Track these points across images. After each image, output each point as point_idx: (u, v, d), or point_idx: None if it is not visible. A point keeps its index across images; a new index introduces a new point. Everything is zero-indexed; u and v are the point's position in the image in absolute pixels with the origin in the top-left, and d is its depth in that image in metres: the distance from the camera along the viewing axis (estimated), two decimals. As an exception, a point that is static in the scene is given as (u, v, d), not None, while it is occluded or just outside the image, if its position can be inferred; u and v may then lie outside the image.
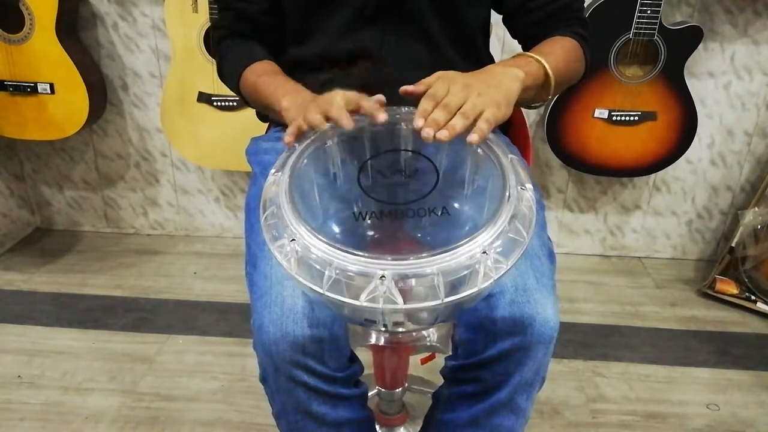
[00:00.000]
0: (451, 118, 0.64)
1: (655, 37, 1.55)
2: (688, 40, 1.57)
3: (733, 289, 1.75)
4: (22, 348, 1.53)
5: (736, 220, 1.81)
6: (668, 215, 1.96)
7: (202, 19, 1.61)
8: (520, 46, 0.93)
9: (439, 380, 0.84)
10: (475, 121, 0.65)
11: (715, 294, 1.77)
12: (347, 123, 0.66)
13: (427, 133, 0.62)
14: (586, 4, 1.36)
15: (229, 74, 0.92)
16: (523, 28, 0.92)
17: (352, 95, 0.70)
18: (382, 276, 0.56)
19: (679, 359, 1.53)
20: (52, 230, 2.11)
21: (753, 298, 1.73)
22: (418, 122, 0.63)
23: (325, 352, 0.72)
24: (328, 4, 0.87)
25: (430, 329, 0.87)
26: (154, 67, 1.84)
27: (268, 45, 0.93)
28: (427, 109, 0.65)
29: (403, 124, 0.73)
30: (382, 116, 0.67)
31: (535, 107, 0.86)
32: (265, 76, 0.85)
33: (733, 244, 1.76)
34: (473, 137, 0.63)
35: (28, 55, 1.65)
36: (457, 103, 0.65)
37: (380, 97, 0.71)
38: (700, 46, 1.59)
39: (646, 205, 1.95)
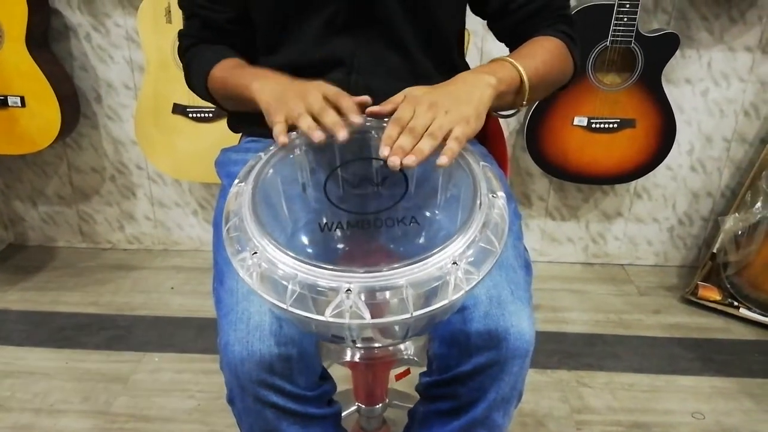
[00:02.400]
0: (417, 142, 0.62)
1: (633, 44, 1.55)
2: (665, 47, 1.58)
3: (715, 295, 1.75)
4: (-9, 369, 1.48)
5: (717, 226, 1.81)
6: (650, 222, 1.96)
7: (175, 30, 1.57)
8: (508, 50, 0.91)
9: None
10: (445, 140, 0.63)
11: (698, 300, 1.76)
12: (341, 136, 0.64)
13: (393, 162, 0.61)
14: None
15: (196, 77, 0.89)
16: (506, 31, 0.90)
17: (333, 94, 0.68)
18: (348, 290, 0.53)
19: (664, 367, 1.52)
20: (25, 246, 2.06)
21: (736, 303, 1.73)
22: (384, 150, 0.62)
23: (294, 371, 0.69)
24: (298, 13, 0.85)
25: (407, 342, 0.85)
26: (129, 78, 1.81)
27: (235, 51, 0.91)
28: (392, 135, 0.63)
29: (373, 132, 0.71)
30: (342, 134, 0.65)
31: (508, 116, 0.84)
32: (233, 69, 0.84)
33: (714, 250, 1.76)
34: (443, 159, 0.61)
35: (-3, 67, 1.61)
36: (423, 125, 0.64)
37: (366, 98, 0.70)
38: (677, 52, 1.59)
39: (628, 212, 1.95)
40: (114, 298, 1.77)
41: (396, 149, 0.61)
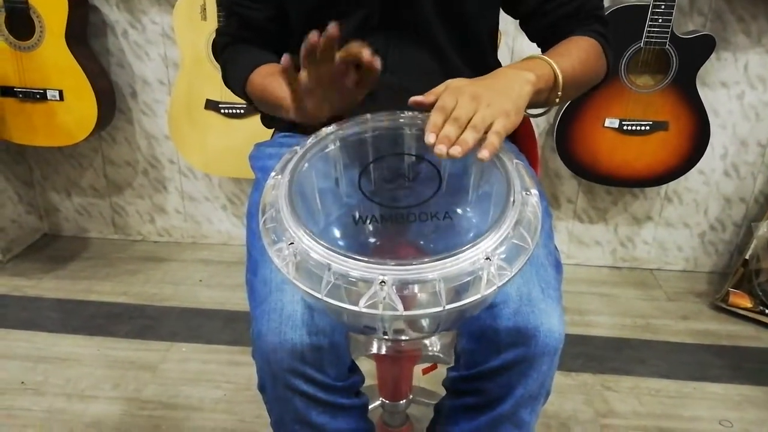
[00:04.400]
0: (461, 132, 0.62)
1: (667, 46, 1.53)
2: (700, 49, 1.55)
3: (746, 302, 1.72)
4: (26, 354, 1.52)
5: (750, 232, 1.77)
6: (680, 227, 1.93)
7: (210, 27, 1.61)
8: (540, 50, 0.91)
9: (444, 392, 0.82)
10: (485, 133, 0.63)
11: (728, 307, 1.73)
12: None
13: (440, 150, 0.61)
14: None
15: (234, 78, 0.91)
16: (539, 31, 0.90)
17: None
18: (382, 281, 0.54)
19: (691, 374, 1.50)
20: (59, 236, 2.12)
21: (767, 311, 1.69)
22: (430, 138, 0.62)
23: (324, 361, 0.70)
24: (332, 13, 0.86)
25: (433, 338, 0.86)
26: (163, 74, 1.85)
27: (272, 52, 0.93)
28: (437, 123, 0.63)
29: (406, 128, 0.72)
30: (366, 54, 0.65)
31: (539, 114, 0.84)
32: (272, 76, 0.84)
33: (746, 257, 1.73)
34: (484, 153, 0.61)
35: (38, 61, 1.66)
36: (467, 116, 0.63)
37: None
38: (713, 55, 1.57)
39: (658, 216, 1.92)
40: (144, 289, 1.81)
41: (442, 138, 0.61)
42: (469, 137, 0.62)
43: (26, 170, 2.03)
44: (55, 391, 1.40)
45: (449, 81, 0.69)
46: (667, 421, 1.35)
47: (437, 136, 0.62)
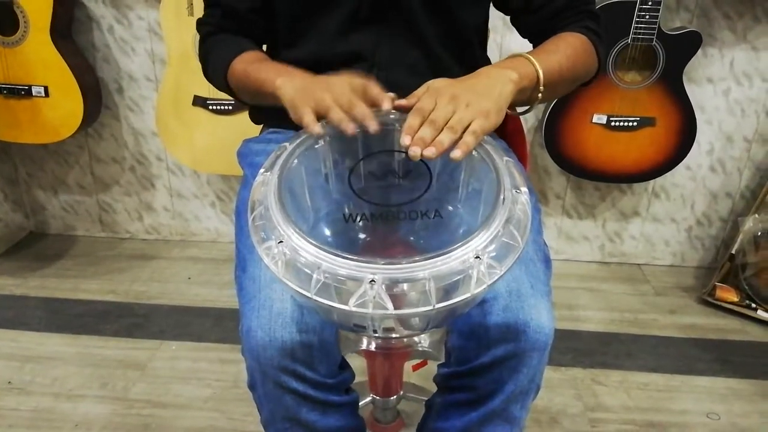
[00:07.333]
0: (438, 134, 0.63)
1: (654, 42, 1.54)
2: (687, 45, 1.56)
3: (733, 296, 1.74)
4: (13, 353, 1.51)
5: (736, 227, 1.79)
6: (667, 222, 1.94)
7: (197, 23, 1.60)
8: (531, 45, 0.91)
9: (435, 388, 0.82)
10: (463, 134, 0.64)
11: (715, 301, 1.75)
12: (372, 127, 0.66)
13: (414, 151, 0.61)
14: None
15: (215, 67, 0.88)
16: (530, 27, 0.90)
17: (360, 84, 0.69)
18: (372, 280, 0.54)
19: (679, 367, 1.51)
20: (46, 234, 2.10)
21: (753, 305, 1.71)
22: (405, 140, 0.62)
23: (314, 358, 0.70)
24: (322, 7, 0.85)
25: (423, 335, 0.86)
26: (150, 70, 1.83)
27: (255, 43, 0.91)
28: (413, 125, 0.63)
29: (396, 125, 0.72)
30: (373, 126, 0.66)
31: (523, 112, 0.84)
32: (255, 63, 0.83)
33: (733, 252, 1.75)
34: (456, 153, 0.62)
35: (22, 57, 1.64)
36: (444, 117, 0.64)
37: (392, 95, 0.70)
38: (699, 51, 1.58)
39: (645, 211, 1.94)
40: (132, 287, 1.80)
41: (417, 140, 0.62)
42: (445, 138, 0.62)
43: (11, 168, 2.00)
44: (43, 390, 1.39)
45: (430, 82, 0.70)
46: (655, 415, 1.36)
47: (413, 138, 0.62)
